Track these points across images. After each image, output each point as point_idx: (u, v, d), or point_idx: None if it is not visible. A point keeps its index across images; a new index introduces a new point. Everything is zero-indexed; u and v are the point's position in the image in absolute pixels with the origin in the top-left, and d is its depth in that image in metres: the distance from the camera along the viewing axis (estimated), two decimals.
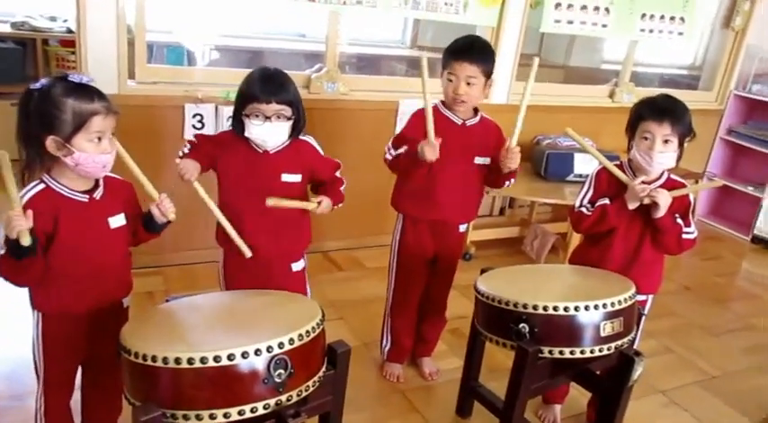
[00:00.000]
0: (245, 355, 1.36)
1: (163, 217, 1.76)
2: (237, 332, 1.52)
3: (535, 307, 1.83)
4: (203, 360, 1.33)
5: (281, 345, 1.40)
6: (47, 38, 4.58)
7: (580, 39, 5.16)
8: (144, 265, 3.10)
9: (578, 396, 2.52)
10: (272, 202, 1.93)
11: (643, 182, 2.09)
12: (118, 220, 1.73)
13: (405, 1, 3.40)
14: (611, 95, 4.45)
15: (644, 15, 4.19)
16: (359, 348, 2.70)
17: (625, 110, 2.21)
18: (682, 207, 2.13)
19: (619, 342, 1.89)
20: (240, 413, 1.37)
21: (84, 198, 1.66)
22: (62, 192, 1.63)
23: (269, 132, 1.98)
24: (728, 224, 4.99)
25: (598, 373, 2.12)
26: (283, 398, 1.42)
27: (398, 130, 3.43)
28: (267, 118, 1.95)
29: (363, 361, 2.68)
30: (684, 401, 2.73)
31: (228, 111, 3.12)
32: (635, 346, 2.05)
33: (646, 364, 1.97)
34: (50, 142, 1.56)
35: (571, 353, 1.84)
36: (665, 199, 2.04)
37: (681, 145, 2.10)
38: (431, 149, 2.14)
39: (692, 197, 2.16)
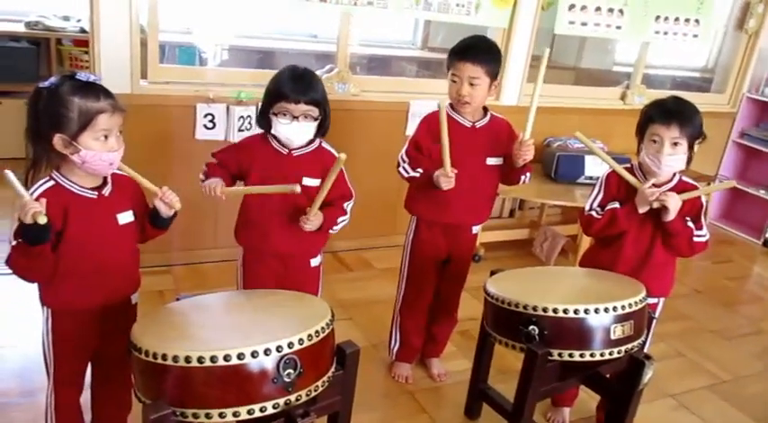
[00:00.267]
0: (254, 354, 1.36)
1: (168, 209, 1.76)
2: (247, 331, 1.52)
3: (545, 309, 1.82)
4: (213, 359, 1.34)
5: (290, 344, 1.41)
6: (60, 37, 4.61)
7: (591, 40, 5.14)
8: (154, 264, 3.12)
9: (587, 399, 2.51)
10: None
11: (654, 185, 2.08)
12: (126, 217, 1.74)
13: (416, 2, 3.41)
14: (623, 97, 4.44)
15: (658, 17, 4.16)
16: (367, 349, 2.70)
17: (636, 112, 2.20)
18: (693, 209, 2.12)
19: (629, 345, 1.88)
20: (249, 412, 1.38)
21: (93, 195, 1.67)
22: (71, 188, 1.64)
23: (296, 131, 2.00)
24: (740, 228, 4.96)
25: (608, 376, 2.10)
26: (292, 397, 1.42)
27: (409, 130, 3.48)
28: (295, 117, 1.98)
29: (372, 361, 2.68)
30: (694, 405, 2.71)
31: (240, 110, 3.14)
32: (645, 350, 2.04)
33: (656, 368, 1.96)
34: (57, 140, 1.57)
35: (581, 356, 1.84)
36: (674, 202, 2.03)
37: (691, 147, 2.08)
38: (447, 181, 2.17)
39: (704, 200, 2.15)
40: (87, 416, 1.96)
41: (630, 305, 1.86)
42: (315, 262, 2.21)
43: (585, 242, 3.43)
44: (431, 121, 2.30)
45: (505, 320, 1.93)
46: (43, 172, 1.65)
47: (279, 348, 1.39)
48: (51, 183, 1.63)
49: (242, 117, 3.15)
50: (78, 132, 1.57)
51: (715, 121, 4.54)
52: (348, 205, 2.14)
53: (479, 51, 2.24)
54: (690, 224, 2.10)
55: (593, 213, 2.19)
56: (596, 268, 2.21)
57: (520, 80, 3.89)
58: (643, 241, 2.15)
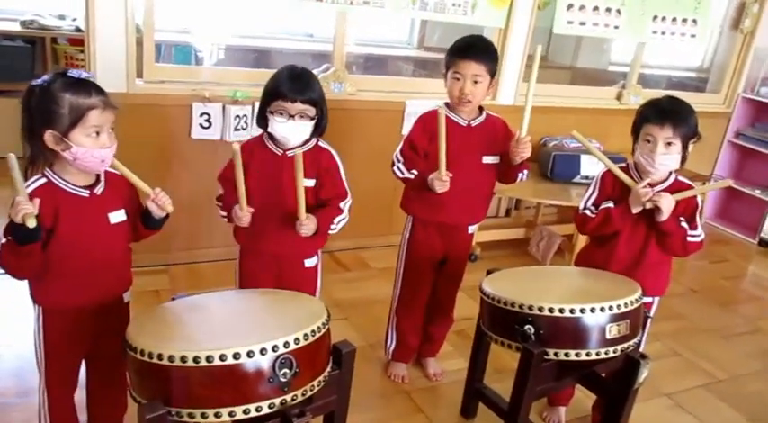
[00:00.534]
0: (250, 354, 1.36)
1: (160, 211, 1.76)
2: (243, 331, 1.52)
3: (541, 308, 1.83)
4: (209, 358, 1.33)
5: (286, 344, 1.40)
6: (56, 36, 4.60)
7: (587, 40, 5.15)
8: (150, 264, 3.12)
9: (583, 398, 2.52)
10: None
11: (649, 184, 2.08)
12: (118, 216, 1.74)
13: (412, 1, 3.41)
14: (619, 97, 4.44)
15: (655, 17, 4.17)
16: (363, 348, 2.70)
17: (632, 112, 2.21)
18: (689, 209, 2.12)
19: (625, 344, 1.88)
20: (245, 412, 1.37)
21: (85, 193, 1.67)
22: (63, 186, 1.64)
23: (292, 130, 2.01)
24: (735, 227, 4.97)
25: (603, 375, 2.11)
26: (288, 397, 1.42)
27: (405, 130, 3.48)
28: (291, 116, 1.99)
29: (368, 361, 2.68)
30: (690, 405, 2.72)
31: (236, 110, 3.13)
32: (641, 349, 2.04)
33: (651, 367, 1.97)
34: (49, 136, 1.57)
35: (576, 355, 1.84)
36: (667, 203, 2.03)
37: (685, 147, 2.09)
38: (441, 185, 2.18)
39: (699, 199, 2.15)
40: (83, 416, 1.95)
41: (626, 304, 1.86)
42: (310, 263, 2.20)
43: (581, 241, 3.43)
44: (426, 121, 2.31)
45: (501, 320, 1.94)
46: (40, 170, 1.65)
47: (275, 348, 1.39)
48: (43, 180, 1.63)
49: (238, 116, 3.15)
50: (69, 128, 1.57)
51: (710, 121, 4.55)
52: (345, 204, 2.13)
53: (482, 50, 2.27)
54: (683, 224, 2.10)
55: (588, 212, 2.19)
56: (591, 267, 2.22)
57: (516, 80, 3.90)
58: (637, 241, 2.16)
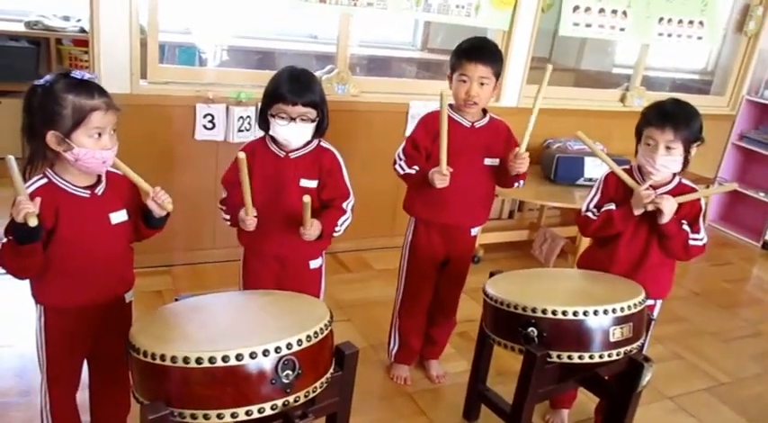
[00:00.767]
0: (253, 355, 1.36)
1: (160, 210, 1.76)
2: (246, 332, 1.52)
3: (544, 311, 1.82)
4: (211, 360, 1.33)
5: (289, 345, 1.40)
6: (60, 37, 4.60)
7: (591, 42, 5.14)
8: (153, 265, 3.12)
9: (586, 401, 2.51)
10: None
11: (651, 186, 2.08)
12: (119, 216, 1.74)
13: (416, 3, 3.41)
14: (623, 99, 4.44)
15: (661, 19, 4.17)
16: (366, 350, 2.70)
17: (636, 114, 2.20)
18: (692, 212, 2.11)
19: (628, 347, 1.87)
20: (248, 413, 1.37)
21: (86, 193, 1.67)
22: (63, 187, 1.64)
23: (293, 133, 2.02)
24: (739, 230, 4.96)
25: (606, 378, 2.10)
26: (291, 399, 1.42)
27: (408, 131, 3.47)
28: (292, 119, 1.99)
29: (370, 363, 2.67)
30: (693, 408, 2.71)
31: (240, 111, 3.13)
32: (644, 352, 2.04)
33: (654, 370, 1.96)
34: (51, 137, 1.57)
35: (580, 358, 1.84)
36: (669, 206, 2.03)
37: (687, 150, 2.08)
38: (441, 179, 2.17)
39: (703, 202, 2.14)
40: (86, 417, 1.95)
41: (630, 307, 1.86)
42: (314, 264, 2.21)
43: (584, 244, 3.41)
44: (429, 122, 2.32)
45: (504, 322, 1.93)
46: (39, 170, 1.65)
47: (277, 349, 1.39)
48: (44, 180, 1.63)
49: (241, 117, 3.15)
50: (72, 129, 1.57)
51: (714, 123, 4.54)
52: (347, 204, 2.14)
53: (489, 52, 2.28)
54: (685, 227, 2.09)
55: (590, 214, 2.19)
56: (593, 269, 2.22)
57: (520, 82, 3.89)
58: (638, 243, 2.15)
